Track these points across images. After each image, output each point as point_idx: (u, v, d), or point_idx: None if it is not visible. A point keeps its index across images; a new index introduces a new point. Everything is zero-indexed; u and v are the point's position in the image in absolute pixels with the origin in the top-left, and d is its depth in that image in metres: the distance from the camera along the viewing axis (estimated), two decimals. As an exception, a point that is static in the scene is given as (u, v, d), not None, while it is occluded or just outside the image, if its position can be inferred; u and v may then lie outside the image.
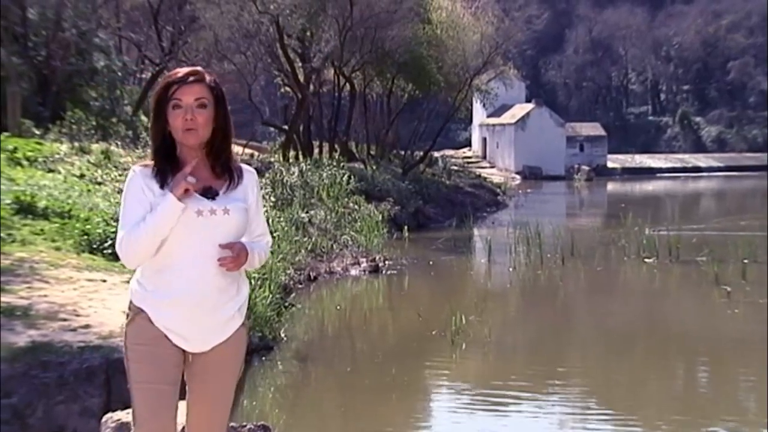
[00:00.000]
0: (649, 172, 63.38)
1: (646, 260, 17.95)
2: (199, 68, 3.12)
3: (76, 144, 18.81)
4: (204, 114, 3.02)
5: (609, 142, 64.70)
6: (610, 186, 53.07)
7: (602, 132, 64.37)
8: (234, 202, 3.07)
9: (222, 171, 3.11)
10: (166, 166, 3.05)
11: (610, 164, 63.55)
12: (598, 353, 11.37)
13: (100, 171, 16.47)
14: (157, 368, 3.05)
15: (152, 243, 2.97)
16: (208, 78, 3.08)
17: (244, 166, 3.23)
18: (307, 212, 18.49)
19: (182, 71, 3.07)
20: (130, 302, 3.12)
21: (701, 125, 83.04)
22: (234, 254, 3.01)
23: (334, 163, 25.34)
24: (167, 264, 3.03)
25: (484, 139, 63.94)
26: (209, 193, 3.04)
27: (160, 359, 3.05)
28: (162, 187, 3.01)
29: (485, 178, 42.57)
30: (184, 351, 3.09)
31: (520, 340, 12.36)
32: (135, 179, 3.05)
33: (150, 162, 3.09)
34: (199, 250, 3.01)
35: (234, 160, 3.17)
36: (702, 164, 68.09)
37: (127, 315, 3.12)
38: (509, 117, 60.21)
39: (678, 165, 67.40)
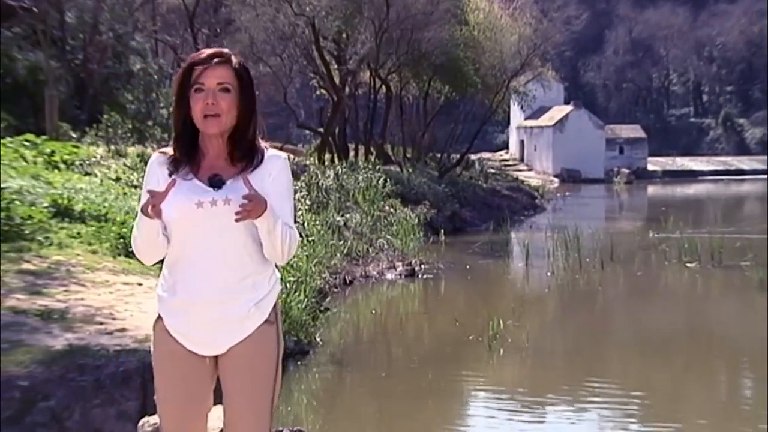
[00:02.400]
0: (691, 175, 62.74)
1: (688, 265, 17.77)
2: (224, 49, 2.94)
3: (113, 147, 19.02)
4: (227, 99, 2.85)
5: (649, 145, 64.19)
6: (651, 189, 52.59)
7: (642, 134, 63.85)
8: (241, 191, 2.80)
9: (240, 157, 2.90)
10: (184, 155, 2.91)
11: (650, 167, 63.02)
12: (638, 359, 11.27)
13: (135, 174, 16.62)
14: (179, 385, 2.95)
15: (144, 244, 2.91)
16: (234, 60, 2.90)
17: (272, 151, 2.99)
18: (342, 216, 18.52)
19: (206, 52, 2.91)
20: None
21: (745, 127, 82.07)
22: (247, 201, 2.76)
23: (370, 166, 25.35)
24: (175, 261, 2.92)
25: (522, 142, 63.67)
26: (214, 182, 2.85)
27: (181, 375, 2.94)
28: (170, 175, 2.88)
29: (523, 181, 42.35)
30: (206, 357, 2.95)
31: (559, 345, 12.29)
32: (151, 168, 2.98)
33: (169, 149, 2.97)
34: (202, 243, 2.86)
35: (258, 145, 2.95)
36: (745, 167, 67.24)
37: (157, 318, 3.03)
38: (547, 119, 59.93)
39: (720, 168, 66.64)
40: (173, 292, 2.92)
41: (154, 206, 2.75)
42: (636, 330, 13.09)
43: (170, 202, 2.79)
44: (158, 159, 2.97)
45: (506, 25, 35.30)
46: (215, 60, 2.87)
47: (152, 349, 2.99)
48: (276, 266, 3.05)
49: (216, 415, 3.16)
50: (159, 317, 2.97)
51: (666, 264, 18.30)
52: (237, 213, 2.76)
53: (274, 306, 3.01)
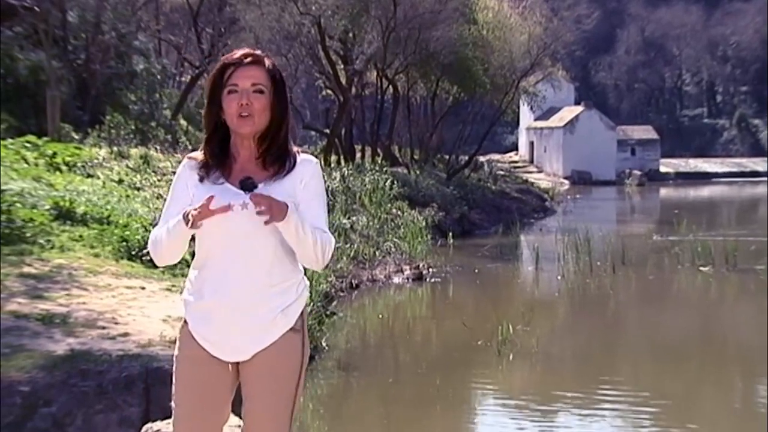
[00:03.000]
0: (704, 177, 62.61)
1: (702, 268, 17.73)
2: (257, 51, 2.96)
3: (115, 148, 19.05)
4: (261, 100, 2.87)
5: (662, 146, 64.12)
6: (663, 191, 52.51)
7: (655, 135, 63.77)
8: (273, 195, 2.81)
9: (272, 161, 2.92)
10: (214, 158, 2.91)
11: (662, 169, 62.94)
12: (650, 365, 11.25)
13: (138, 176, 16.67)
14: (198, 391, 2.94)
15: (170, 249, 2.91)
16: (267, 62, 2.93)
17: (304, 156, 3.01)
18: (348, 218, 18.52)
19: (239, 52, 2.92)
20: None
21: (760, 128, 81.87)
22: (263, 201, 2.76)
23: (377, 168, 25.36)
24: (202, 263, 2.93)
25: (532, 143, 63.63)
26: (246, 185, 2.83)
27: (202, 380, 2.93)
28: (201, 180, 2.90)
29: (532, 183, 42.34)
30: (228, 363, 2.95)
31: (569, 351, 12.27)
32: (182, 172, 2.98)
33: (198, 154, 2.97)
34: (231, 247, 2.86)
35: (290, 150, 2.97)
36: (760, 168, 66.93)
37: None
38: (557, 120, 59.88)
39: (735, 169, 66.49)
40: (200, 296, 2.93)
41: (200, 217, 2.76)
42: (648, 335, 13.07)
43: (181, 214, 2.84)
44: (188, 164, 2.98)
45: (516, 24, 35.30)
46: (248, 60, 2.89)
47: (175, 352, 3.01)
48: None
49: (234, 422, 3.13)
50: (185, 321, 2.99)
51: (679, 268, 18.27)
52: (258, 213, 2.76)
53: (301, 314, 3.00)
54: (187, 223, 2.78)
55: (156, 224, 3.01)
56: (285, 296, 2.94)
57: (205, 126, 2.97)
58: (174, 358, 3.01)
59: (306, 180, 2.95)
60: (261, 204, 2.75)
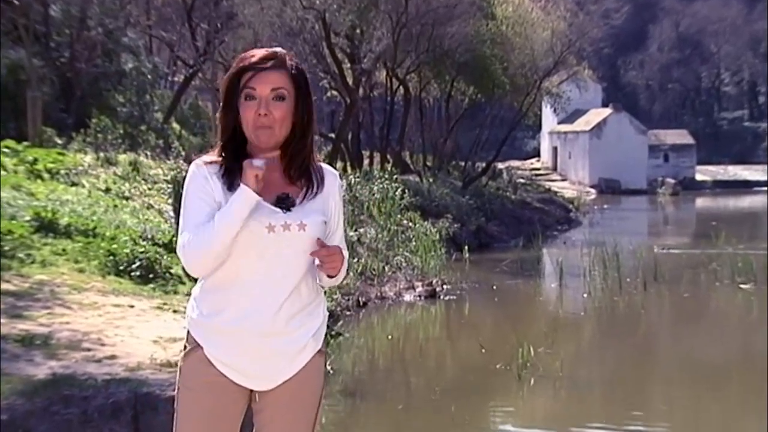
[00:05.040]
0: (745, 186, 62.41)
1: (742, 286, 17.68)
2: (279, 50, 2.91)
3: (102, 154, 19.12)
4: (282, 108, 2.83)
5: (698, 152, 64.06)
6: (699, 201, 52.41)
7: (690, 140, 63.73)
8: (312, 215, 2.87)
9: (298, 175, 2.91)
10: (234, 165, 2.85)
11: (699, 177, 62.85)
12: (685, 392, 11.21)
13: (127, 184, 16.71)
14: (214, 423, 2.92)
15: (223, 245, 2.78)
16: (289, 63, 2.89)
17: (326, 167, 3.03)
18: (355, 230, 18.53)
19: (259, 53, 2.87)
20: (188, 333, 2.96)
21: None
22: (328, 253, 2.83)
23: (386, 176, 25.33)
24: (229, 283, 2.86)
25: (555, 149, 63.68)
26: (284, 203, 2.84)
27: (215, 412, 2.91)
28: (230, 188, 2.82)
29: (556, 193, 42.38)
30: (248, 389, 2.94)
31: (596, 375, 12.23)
32: (198, 173, 2.88)
33: (210, 157, 2.92)
34: (267, 270, 2.84)
35: (315, 163, 2.97)
36: (806, 177, 66.89)
37: (185, 346, 2.97)
38: (583, 123, 59.90)
39: (779, 177, 66.32)
40: (223, 319, 2.88)
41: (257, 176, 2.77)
42: (683, 359, 13.03)
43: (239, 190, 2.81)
44: (208, 170, 2.90)
45: (538, 20, 35.32)
46: (269, 63, 2.85)
47: (183, 380, 2.95)
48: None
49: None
50: (196, 345, 2.92)
51: (717, 285, 18.22)
52: (320, 266, 2.85)
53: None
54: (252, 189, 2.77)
55: (181, 233, 2.90)
56: (315, 318, 2.97)
57: (220, 132, 2.93)
58: (180, 385, 2.96)
59: (335, 194, 3.00)
60: (329, 259, 2.84)
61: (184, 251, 2.84)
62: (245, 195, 2.76)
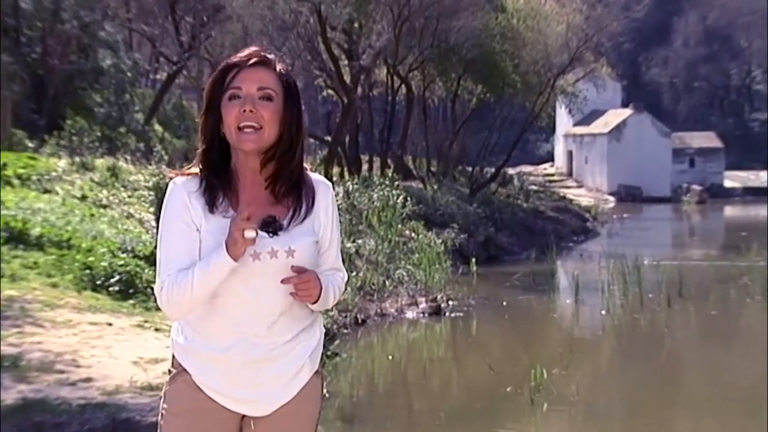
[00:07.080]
0: (778, 193, 62.52)
1: (775, 302, 17.71)
2: (267, 52, 2.91)
3: (77, 159, 19.13)
4: (270, 108, 2.79)
5: (727, 156, 64.09)
6: (728, 210, 52.43)
7: (718, 143, 63.76)
8: (301, 238, 2.85)
9: (285, 192, 2.88)
10: (215, 180, 2.84)
11: (727, 183, 62.86)
12: (712, 417, 11.21)
13: (105, 191, 16.71)
14: None
15: (200, 299, 2.81)
16: (278, 65, 2.88)
17: (316, 178, 2.99)
18: (354, 241, 18.54)
19: (245, 52, 2.88)
20: (173, 356, 2.96)
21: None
22: (302, 280, 2.81)
23: (387, 182, 25.39)
24: (212, 311, 2.87)
25: (570, 153, 63.71)
26: (270, 227, 2.79)
27: None
28: (211, 210, 2.81)
29: (571, 200, 42.42)
30: (239, 414, 2.95)
31: (615, 399, 12.24)
32: (176, 196, 2.85)
33: (195, 171, 2.89)
34: (253, 299, 2.83)
35: (305, 176, 2.94)
36: None
37: (169, 371, 2.97)
38: (601, 125, 59.95)
39: (816, 184, 66.35)
40: (211, 344, 2.88)
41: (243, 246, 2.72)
42: (711, 381, 13.02)
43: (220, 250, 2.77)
44: (185, 185, 2.88)
45: (552, 12, 35.37)
46: (254, 60, 2.85)
47: (168, 406, 2.95)
48: None
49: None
50: (182, 370, 2.92)
51: (748, 301, 18.23)
52: (295, 294, 2.84)
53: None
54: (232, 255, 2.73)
55: (159, 273, 2.91)
56: (310, 339, 2.98)
57: (201, 138, 2.90)
58: (165, 412, 2.96)
59: (327, 209, 2.97)
60: (302, 286, 2.82)
61: (161, 298, 2.88)
62: (226, 260, 2.74)
